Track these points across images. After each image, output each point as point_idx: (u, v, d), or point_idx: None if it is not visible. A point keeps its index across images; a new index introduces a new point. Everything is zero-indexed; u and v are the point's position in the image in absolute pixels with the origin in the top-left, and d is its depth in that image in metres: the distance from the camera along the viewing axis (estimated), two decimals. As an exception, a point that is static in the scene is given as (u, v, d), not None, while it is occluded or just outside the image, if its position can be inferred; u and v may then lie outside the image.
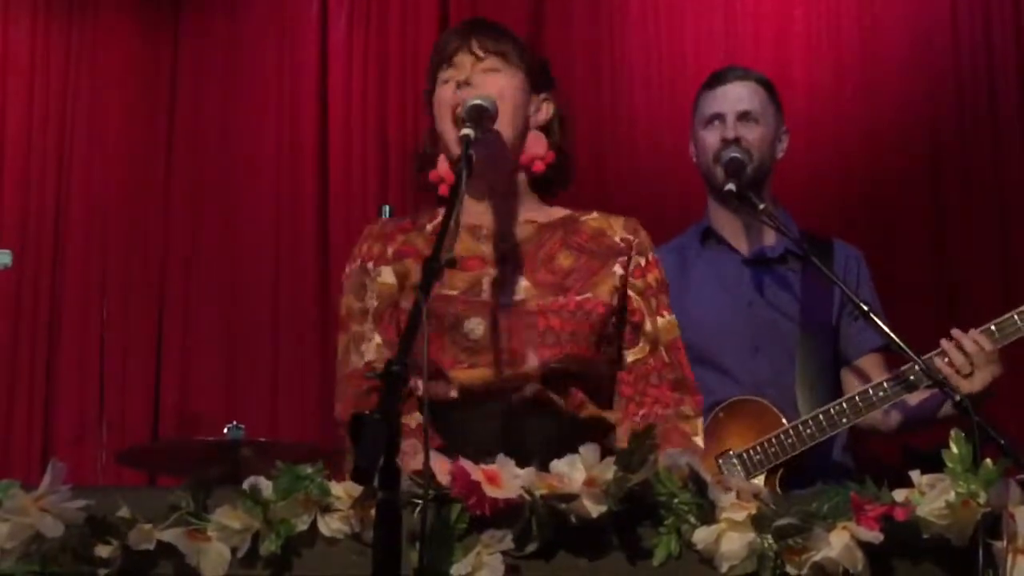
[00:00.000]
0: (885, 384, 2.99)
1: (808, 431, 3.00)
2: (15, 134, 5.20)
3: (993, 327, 2.95)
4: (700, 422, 2.32)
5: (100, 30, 5.35)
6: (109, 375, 4.95)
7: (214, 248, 5.21)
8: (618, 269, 2.32)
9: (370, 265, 2.35)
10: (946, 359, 2.91)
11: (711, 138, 3.25)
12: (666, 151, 4.74)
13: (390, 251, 2.35)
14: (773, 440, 3.03)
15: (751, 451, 3.04)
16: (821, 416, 3.00)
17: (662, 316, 2.35)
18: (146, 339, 5.12)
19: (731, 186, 3.09)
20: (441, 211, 2.37)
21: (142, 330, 5.12)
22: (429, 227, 2.38)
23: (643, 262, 2.35)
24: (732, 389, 3.12)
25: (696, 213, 3.41)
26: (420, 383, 2.14)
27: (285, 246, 5.19)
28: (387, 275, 2.33)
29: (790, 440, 3.02)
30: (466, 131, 2.16)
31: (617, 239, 2.36)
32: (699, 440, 2.29)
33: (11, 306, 5.05)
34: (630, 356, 2.33)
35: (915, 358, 2.83)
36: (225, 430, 3.93)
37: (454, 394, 2.21)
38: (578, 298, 2.27)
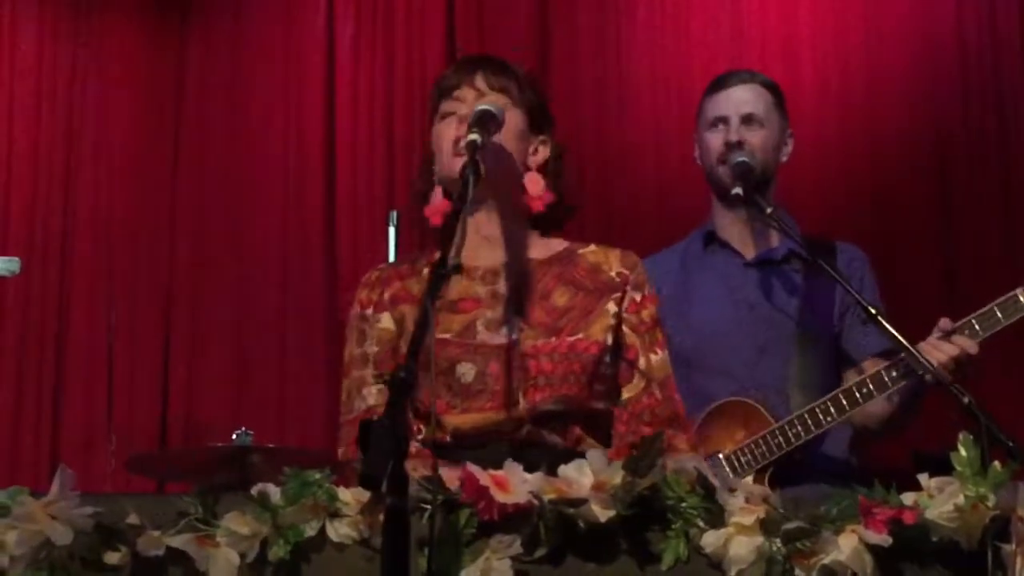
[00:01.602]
0: (869, 381, 3.00)
1: (794, 431, 3.01)
2: (23, 141, 5.22)
3: (974, 320, 2.95)
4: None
5: (106, 36, 5.37)
6: (117, 382, 4.97)
7: (221, 253, 5.22)
8: (612, 307, 2.31)
9: (369, 311, 2.36)
10: (933, 360, 2.91)
11: (715, 141, 3.25)
12: (673, 155, 4.74)
13: (387, 296, 2.35)
14: (760, 441, 3.03)
15: (739, 452, 3.05)
16: (807, 415, 3.01)
17: (655, 353, 2.34)
18: (154, 346, 5.14)
19: (738, 190, 3.09)
20: (437, 254, 2.36)
21: (150, 337, 5.13)
22: (426, 271, 2.36)
23: (638, 297, 2.34)
24: (736, 392, 3.12)
25: (702, 216, 3.41)
26: (421, 427, 2.19)
27: (292, 250, 5.20)
28: (386, 321, 2.34)
29: (777, 440, 3.02)
30: (472, 136, 2.15)
31: (613, 274, 2.35)
32: None
33: (19, 313, 5.06)
34: (625, 393, 2.32)
35: (924, 361, 2.82)
36: (234, 436, 3.93)
37: (446, 438, 2.22)
38: (570, 339, 2.26)
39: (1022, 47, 4.77)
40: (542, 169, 2.38)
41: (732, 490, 1.79)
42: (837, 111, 4.86)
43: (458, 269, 1.93)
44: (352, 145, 5.25)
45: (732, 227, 3.29)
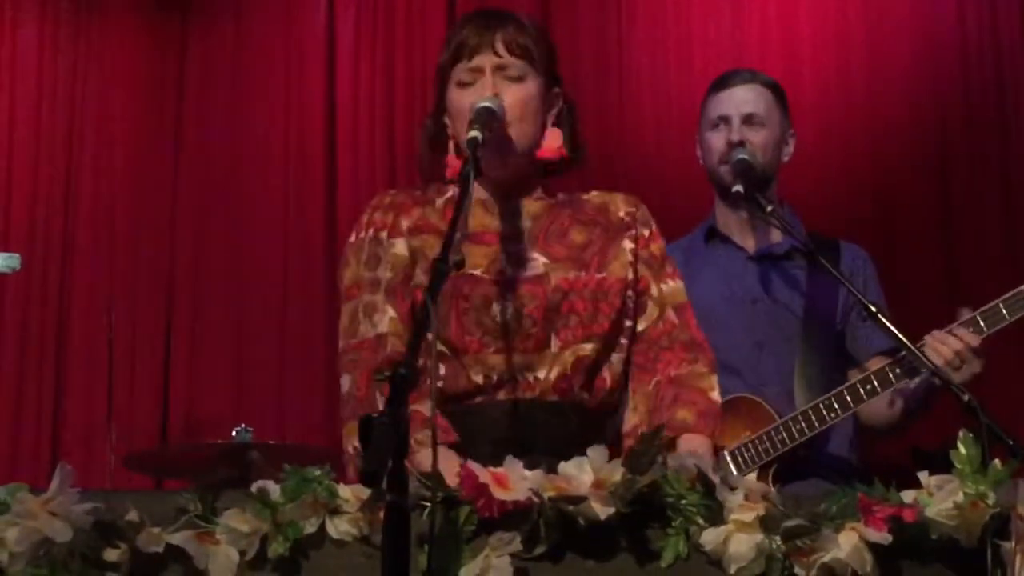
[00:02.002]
0: (874, 378, 3.00)
1: (798, 427, 3.02)
2: (23, 140, 5.22)
3: (978, 316, 2.96)
4: (715, 378, 2.35)
5: (107, 35, 5.37)
6: (117, 378, 4.95)
7: (222, 252, 5.22)
8: (628, 243, 2.36)
9: (383, 235, 2.33)
10: (935, 355, 2.91)
11: (717, 141, 3.26)
12: (673, 153, 4.74)
13: (405, 224, 2.33)
14: (764, 437, 3.04)
15: (742, 448, 3.05)
16: (810, 412, 3.02)
17: (666, 283, 2.38)
18: (154, 342, 5.13)
19: (739, 187, 3.10)
20: (448, 187, 2.37)
21: (150, 333, 5.13)
22: (439, 201, 2.37)
23: (647, 233, 2.39)
24: (738, 387, 3.12)
25: (703, 215, 3.41)
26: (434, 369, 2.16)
27: (293, 249, 5.20)
28: (400, 247, 2.31)
29: (780, 436, 3.03)
30: (473, 133, 2.15)
31: (622, 214, 2.40)
32: (716, 395, 2.32)
33: (20, 310, 5.06)
34: (641, 324, 2.35)
35: (925, 360, 2.82)
36: (233, 433, 3.94)
37: (479, 379, 2.23)
38: (598, 276, 2.29)
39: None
40: (557, 122, 2.39)
41: (732, 487, 1.79)
42: (838, 110, 4.85)
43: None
44: (352, 145, 5.25)
45: (735, 223, 3.31)
